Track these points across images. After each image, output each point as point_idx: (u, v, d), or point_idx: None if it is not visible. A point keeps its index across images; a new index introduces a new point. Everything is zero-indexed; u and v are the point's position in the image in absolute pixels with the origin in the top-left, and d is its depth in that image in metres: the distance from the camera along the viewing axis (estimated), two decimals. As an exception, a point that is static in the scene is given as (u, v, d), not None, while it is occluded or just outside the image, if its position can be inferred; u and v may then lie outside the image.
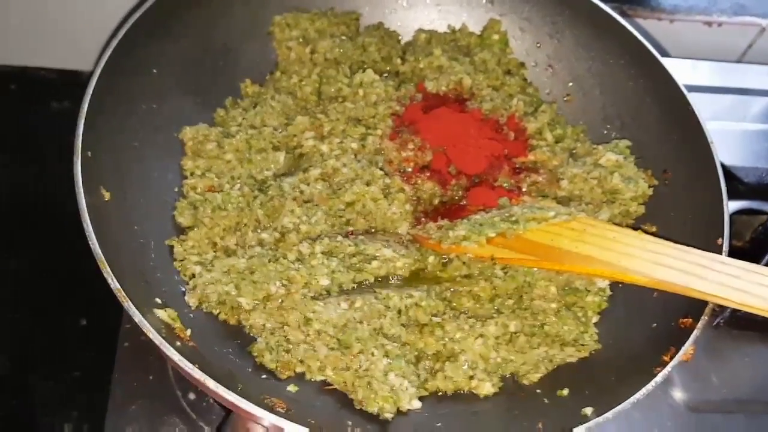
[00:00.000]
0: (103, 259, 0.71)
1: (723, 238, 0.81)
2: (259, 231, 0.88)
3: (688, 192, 0.90)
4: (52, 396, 1.07)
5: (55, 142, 1.35)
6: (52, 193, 1.28)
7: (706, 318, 0.75)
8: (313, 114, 0.98)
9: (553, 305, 0.84)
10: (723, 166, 0.89)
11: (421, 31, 1.08)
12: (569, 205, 0.91)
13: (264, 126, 0.97)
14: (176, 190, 0.91)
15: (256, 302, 0.82)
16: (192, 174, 0.93)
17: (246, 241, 0.88)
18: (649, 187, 0.92)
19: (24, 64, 1.42)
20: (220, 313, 0.83)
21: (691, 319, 0.77)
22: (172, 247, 0.86)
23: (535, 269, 0.86)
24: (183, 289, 0.83)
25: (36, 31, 1.37)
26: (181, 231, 0.89)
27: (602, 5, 1.02)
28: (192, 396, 0.90)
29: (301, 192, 0.90)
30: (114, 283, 0.70)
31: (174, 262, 0.85)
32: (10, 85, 1.41)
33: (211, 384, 0.68)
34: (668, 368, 0.72)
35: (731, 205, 1.03)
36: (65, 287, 1.17)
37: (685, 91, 0.95)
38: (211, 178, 0.92)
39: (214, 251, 0.87)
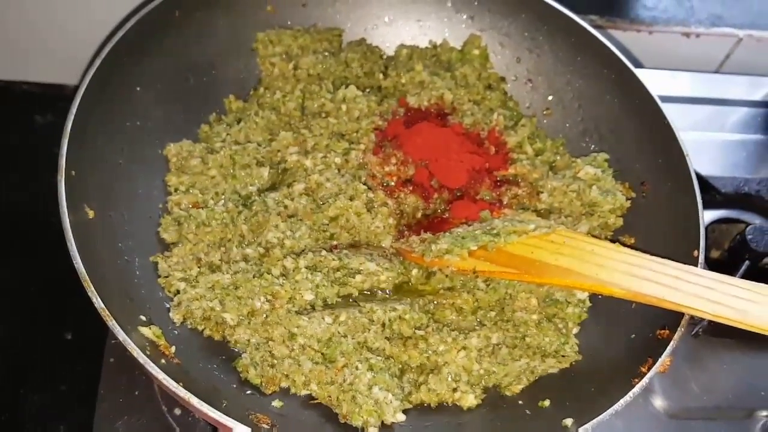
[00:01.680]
0: (87, 278, 0.71)
1: (699, 251, 0.83)
2: (243, 246, 0.89)
3: (666, 204, 0.92)
4: (38, 410, 1.07)
5: (38, 155, 1.35)
6: (36, 206, 1.27)
7: (682, 330, 0.77)
8: (296, 129, 0.99)
9: (534, 317, 0.86)
10: (701, 176, 0.91)
11: (402, 46, 1.10)
12: (549, 217, 0.93)
13: (248, 142, 0.97)
14: (161, 206, 0.92)
15: (241, 317, 0.83)
16: (176, 190, 0.93)
17: (230, 257, 0.88)
18: (627, 199, 0.94)
19: (7, 78, 1.42)
20: (204, 329, 0.83)
21: (668, 331, 0.79)
22: (156, 263, 0.87)
23: (516, 282, 0.87)
24: (168, 306, 0.84)
25: (19, 45, 1.37)
26: (165, 247, 0.89)
27: (579, 20, 1.04)
28: (178, 411, 0.91)
29: (285, 207, 0.91)
30: (98, 303, 0.71)
31: (158, 279, 0.86)
32: (-5, 99, 1.41)
33: (195, 401, 0.68)
34: (646, 379, 0.73)
35: (709, 215, 1.05)
36: (50, 301, 1.17)
37: (660, 104, 0.97)
38: (195, 194, 0.92)
39: (199, 267, 0.87)
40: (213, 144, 0.97)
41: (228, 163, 0.94)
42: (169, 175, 0.94)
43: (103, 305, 0.70)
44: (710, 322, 0.97)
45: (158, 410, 0.91)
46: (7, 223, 1.27)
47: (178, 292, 0.85)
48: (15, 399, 1.07)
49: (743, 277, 0.94)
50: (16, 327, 1.14)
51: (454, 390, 0.82)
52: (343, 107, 1.00)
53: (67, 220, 0.74)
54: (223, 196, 0.92)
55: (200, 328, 0.83)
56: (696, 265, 0.81)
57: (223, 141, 0.97)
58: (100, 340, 0.97)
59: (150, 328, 0.78)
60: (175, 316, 0.83)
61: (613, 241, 0.90)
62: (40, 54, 1.38)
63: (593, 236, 0.89)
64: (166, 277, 0.86)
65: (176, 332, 0.81)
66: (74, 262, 0.72)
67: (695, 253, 0.83)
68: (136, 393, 0.91)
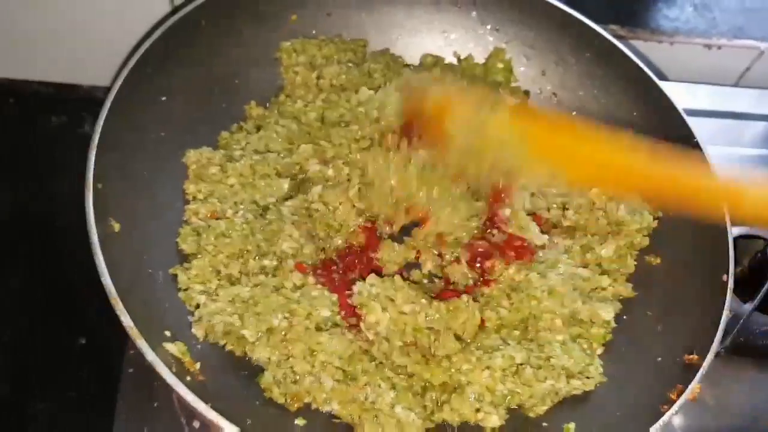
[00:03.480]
0: (116, 295, 0.71)
1: (728, 275, 0.82)
2: (260, 258, 0.88)
3: (693, 224, 0.91)
4: (49, 417, 1.07)
5: (53, 157, 1.34)
6: (50, 208, 1.27)
7: (711, 356, 0.77)
8: (315, 141, 0.98)
9: (560, 337, 0.85)
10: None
11: (428, 55, 1.09)
12: (575, 235, 0.92)
13: (268, 152, 0.96)
14: (184, 218, 0.91)
15: (260, 334, 0.82)
16: (194, 198, 0.92)
17: (249, 269, 0.88)
18: (654, 218, 0.93)
19: (21, 78, 1.41)
20: (226, 343, 0.83)
21: (696, 356, 0.78)
22: (176, 275, 0.86)
23: (539, 303, 0.87)
24: (190, 320, 0.83)
25: (34, 44, 1.36)
26: (185, 259, 0.88)
27: (605, 33, 1.03)
28: (196, 424, 0.90)
29: (301, 214, 0.90)
30: (127, 321, 0.70)
31: (179, 292, 0.85)
32: (8, 99, 1.40)
33: (223, 423, 0.68)
34: (675, 407, 0.73)
35: (730, 231, 1.05)
36: (62, 305, 1.16)
37: (687, 119, 0.96)
38: (214, 203, 0.91)
39: (219, 279, 0.86)
40: (232, 152, 0.96)
41: (248, 173, 0.93)
42: (187, 183, 0.93)
43: (132, 324, 0.70)
44: (732, 341, 0.98)
45: (177, 422, 0.90)
46: (19, 224, 1.26)
47: (198, 306, 0.84)
48: (25, 405, 1.07)
49: (764, 296, 0.95)
50: (27, 332, 1.14)
51: (477, 410, 0.82)
52: (361, 110, 0.99)
53: (96, 235, 0.73)
54: (241, 207, 0.91)
55: (222, 343, 0.83)
56: (725, 294, 0.80)
57: (242, 149, 0.96)
58: (114, 345, 0.96)
59: (175, 344, 0.77)
60: (198, 332, 0.82)
61: (640, 260, 0.90)
62: (54, 53, 1.37)
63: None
64: (186, 290, 0.85)
65: (199, 348, 0.81)
66: (102, 278, 0.72)
67: (724, 277, 0.83)
68: (155, 404, 0.91)
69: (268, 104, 1.04)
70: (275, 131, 0.98)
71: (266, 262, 0.87)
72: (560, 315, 0.86)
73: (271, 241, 0.88)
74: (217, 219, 0.89)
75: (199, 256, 0.87)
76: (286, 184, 0.94)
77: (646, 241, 0.93)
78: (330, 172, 0.94)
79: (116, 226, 0.80)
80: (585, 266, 0.92)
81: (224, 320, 0.82)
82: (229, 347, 0.83)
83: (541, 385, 0.82)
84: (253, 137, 0.98)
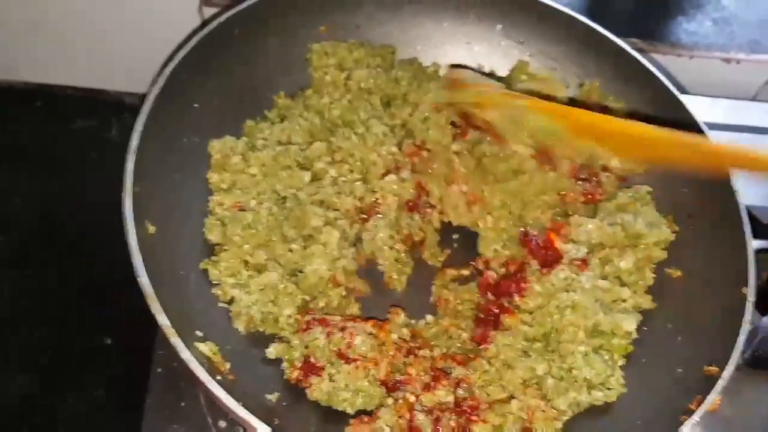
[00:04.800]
0: (154, 295, 0.73)
1: (748, 288, 0.83)
2: (288, 242, 0.90)
3: (713, 238, 0.93)
4: (75, 415, 1.09)
5: (81, 159, 1.37)
6: (78, 210, 1.30)
7: (732, 368, 0.78)
8: (327, 139, 0.99)
9: (582, 348, 0.85)
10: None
11: (453, 65, 1.10)
12: (593, 249, 0.93)
13: (290, 143, 0.97)
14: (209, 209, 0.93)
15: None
16: (218, 188, 0.93)
17: (276, 254, 0.90)
18: (672, 232, 0.95)
19: (50, 82, 1.44)
20: (265, 330, 0.86)
21: (716, 367, 0.79)
22: (207, 275, 0.88)
23: (561, 317, 0.87)
24: (222, 319, 0.85)
25: (62, 50, 1.39)
26: (212, 252, 0.90)
27: (626, 47, 1.05)
28: (223, 424, 0.92)
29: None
30: (163, 320, 0.72)
31: (212, 289, 0.87)
32: (35, 102, 1.43)
33: (255, 422, 0.70)
34: (695, 417, 0.74)
35: (751, 244, 1.06)
36: (88, 305, 1.18)
37: (708, 132, 0.97)
38: (237, 194, 0.92)
39: (247, 269, 0.89)
40: (255, 141, 0.97)
41: (270, 163, 0.94)
42: (210, 173, 0.94)
43: (168, 323, 0.72)
44: (752, 353, 0.98)
45: (204, 421, 0.92)
46: (45, 225, 1.28)
47: (232, 300, 0.86)
48: (52, 404, 1.09)
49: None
50: (53, 331, 1.16)
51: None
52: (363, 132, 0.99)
53: (134, 238, 0.75)
54: (264, 197, 0.92)
55: (262, 329, 0.86)
56: (744, 306, 0.82)
57: (265, 139, 0.97)
58: (139, 346, 0.98)
59: (206, 344, 0.79)
60: (239, 326, 0.85)
61: (660, 273, 0.92)
62: (82, 59, 1.40)
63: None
64: (218, 284, 0.88)
65: (229, 347, 0.83)
66: (139, 279, 0.74)
67: (744, 290, 0.84)
68: (183, 404, 0.93)
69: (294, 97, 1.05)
70: (298, 124, 0.99)
71: (295, 246, 0.90)
72: (583, 327, 0.86)
73: (299, 227, 0.90)
74: (242, 210, 0.91)
75: (226, 248, 0.89)
76: (307, 177, 0.95)
77: (664, 255, 0.94)
78: (332, 172, 0.96)
79: (151, 229, 0.82)
80: (604, 278, 0.92)
81: (261, 309, 0.85)
82: (268, 331, 0.86)
83: (562, 399, 0.83)
84: (276, 128, 0.98)
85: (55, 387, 1.10)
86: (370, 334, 0.85)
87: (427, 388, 0.83)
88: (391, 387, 0.84)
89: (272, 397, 0.81)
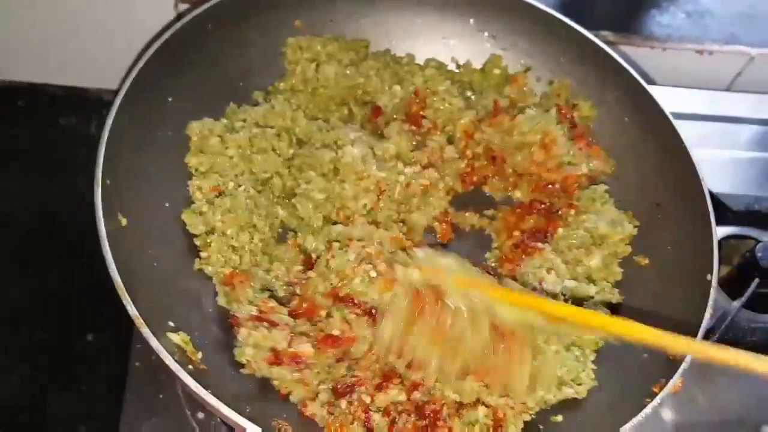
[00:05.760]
0: (123, 286, 0.74)
1: (712, 275, 0.85)
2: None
3: (679, 226, 0.94)
4: (61, 411, 1.09)
5: (61, 157, 1.37)
6: (60, 207, 1.30)
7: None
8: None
9: (553, 347, 0.86)
10: (712, 194, 0.93)
11: (431, 59, 1.11)
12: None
13: (267, 126, 0.98)
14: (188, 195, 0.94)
15: None
16: (196, 171, 0.94)
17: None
18: (634, 227, 0.96)
19: (31, 80, 1.44)
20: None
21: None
22: (181, 268, 0.89)
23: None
24: (195, 311, 0.86)
25: (44, 48, 1.39)
26: (192, 248, 0.91)
27: (596, 40, 1.06)
28: (201, 415, 0.93)
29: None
30: (132, 311, 0.73)
31: (186, 280, 0.88)
32: (17, 101, 1.43)
33: (224, 410, 0.71)
34: (657, 399, 0.76)
35: (719, 231, 1.06)
36: (88, 305, 1.18)
37: (675, 123, 0.99)
38: (215, 177, 0.93)
39: (235, 254, 0.90)
40: (233, 122, 0.98)
41: (245, 145, 0.95)
42: (189, 156, 0.95)
43: (137, 313, 0.73)
44: (721, 336, 1.00)
45: (182, 413, 0.93)
46: (28, 224, 1.28)
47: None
48: (38, 400, 1.09)
49: (752, 294, 0.97)
50: (38, 328, 1.16)
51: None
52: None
53: (104, 229, 0.76)
54: (242, 178, 0.94)
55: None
56: (709, 289, 0.83)
57: (243, 121, 0.98)
58: (121, 342, 0.99)
59: (178, 335, 0.80)
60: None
61: (629, 261, 0.93)
62: (64, 57, 1.40)
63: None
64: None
65: (201, 338, 0.83)
66: (110, 270, 0.75)
67: (708, 276, 0.85)
68: (161, 396, 0.94)
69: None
70: (272, 107, 1.00)
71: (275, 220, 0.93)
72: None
73: (302, 178, 0.94)
74: (220, 194, 0.92)
75: (209, 240, 0.90)
76: (279, 162, 0.97)
77: (628, 249, 0.96)
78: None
79: (123, 221, 0.83)
80: (574, 279, 0.93)
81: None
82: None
83: (531, 397, 0.84)
84: (258, 110, 1.00)
85: (55, 387, 1.11)
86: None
87: (379, 388, 0.83)
88: (341, 391, 0.83)
89: (244, 386, 0.82)
